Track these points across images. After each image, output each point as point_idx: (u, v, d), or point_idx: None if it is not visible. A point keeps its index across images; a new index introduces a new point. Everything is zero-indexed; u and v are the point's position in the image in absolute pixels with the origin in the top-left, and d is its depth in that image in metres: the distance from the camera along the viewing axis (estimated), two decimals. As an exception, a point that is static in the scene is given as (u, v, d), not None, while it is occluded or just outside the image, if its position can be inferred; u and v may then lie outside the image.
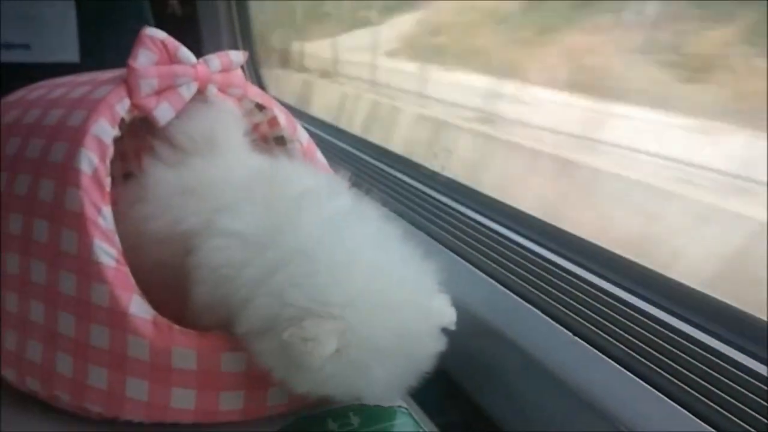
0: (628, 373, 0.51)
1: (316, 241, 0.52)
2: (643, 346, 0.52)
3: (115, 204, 0.56)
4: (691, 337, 0.50)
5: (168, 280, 0.57)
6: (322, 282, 0.50)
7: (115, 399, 0.53)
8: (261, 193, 0.57)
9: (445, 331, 0.54)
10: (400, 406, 0.63)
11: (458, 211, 0.77)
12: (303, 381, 0.51)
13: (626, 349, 0.52)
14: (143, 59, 0.59)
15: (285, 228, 0.53)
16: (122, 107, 0.58)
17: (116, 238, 0.54)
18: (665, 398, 0.47)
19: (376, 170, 0.95)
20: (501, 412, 0.60)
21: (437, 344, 0.53)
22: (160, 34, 0.60)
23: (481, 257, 0.68)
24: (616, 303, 0.56)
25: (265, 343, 0.50)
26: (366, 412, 0.61)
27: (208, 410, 0.55)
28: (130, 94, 0.58)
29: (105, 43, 1.15)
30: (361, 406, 0.62)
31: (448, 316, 0.54)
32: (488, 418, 0.61)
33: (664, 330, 0.52)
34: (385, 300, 0.50)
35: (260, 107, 0.73)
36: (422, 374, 0.53)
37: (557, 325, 0.57)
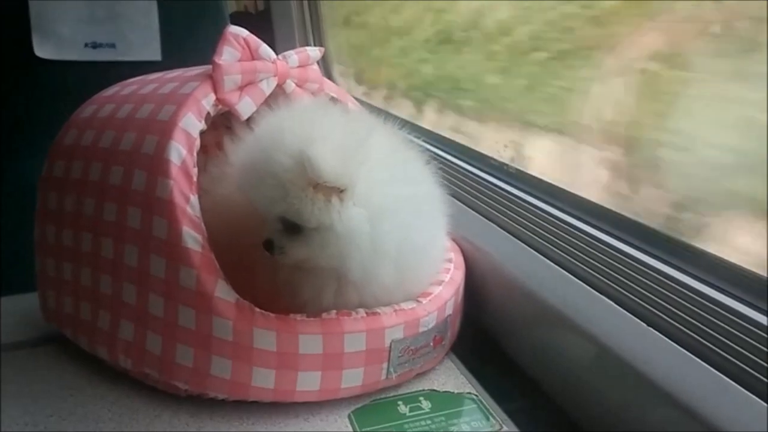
0: (703, 362, 0.50)
1: None
2: (719, 336, 0.51)
3: (199, 192, 0.60)
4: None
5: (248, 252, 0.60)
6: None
7: (200, 376, 0.57)
8: None
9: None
10: (469, 393, 0.64)
11: (531, 204, 0.77)
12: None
13: (700, 339, 0.51)
14: (227, 56, 0.62)
15: None
16: (208, 102, 0.61)
17: (202, 225, 0.57)
18: (740, 388, 0.47)
19: (446, 162, 0.97)
20: (571, 401, 0.61)
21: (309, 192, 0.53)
22: (243, 32, 0.63)
23: (553, 248, 0.68)
24: (689, 293, 0.55)
25: None
26: (436, 398, 0.63)
27: (286, 390, 0.57)
28: (215, 89, 0.61)
29: (184, 42, 1.20)
30: (432, 391, 0.64)
31: (320, 169, 0.51)
32: (557, 406, 0.61)
33: (741, 321, 0.51)
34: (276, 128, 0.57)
35: (335, 101, 0.75)
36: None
37: (630, 314, 0.57)
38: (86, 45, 1.16)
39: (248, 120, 0.65)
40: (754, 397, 0.46)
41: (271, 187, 0.54)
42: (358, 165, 0.54)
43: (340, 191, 0.54)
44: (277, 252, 0.57)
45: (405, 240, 0.58)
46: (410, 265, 0.61)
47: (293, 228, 0.55)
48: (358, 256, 0.55)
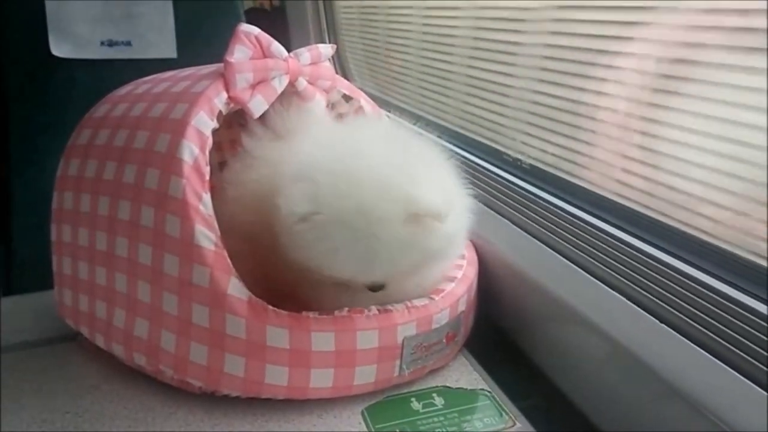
0: (718, 361, 0.49)
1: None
2: (734, 334, 0.50)
3: (213, 189, 0.60)
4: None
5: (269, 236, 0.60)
6: (308, 150, 0.57)
7: (214, 374, 0.57)
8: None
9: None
10: (483, 389, 0.64)
11: (545, 200, 0.77)
12: (287, 245, 0.55)
13: (716, 336, 0.51)
14: (239, 54, 0.62)
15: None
16: (220, 100, 0.61)
17: (215, 224, 0.57)
18: (755, 386, 0.46)
19: (458, 157, 0.96)
20: (584, 398, 0.60)
21: (420, 234, 0.53)
22: (254, 30, 0.63)
23: (566, 244, 0.68)
24: (705, 290, 0.54)
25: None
26: (449, 394, 0.63)
27: (299, 387, 0.58)
28: (227, 87, 0.62)
29: (200, 39, 1.21)
30: (445, 388, 0.64)
31: (432, 207, 0.52)
32: (571, 403, 0.61)
33: (758, 319, 0.50)
34: (359, 175, 0.52)
35: (347, 98, 0.75)
36: (410, 262, 0.55)
37: (644, 312, 0.56)
38: (102, 43, 1.17)
39: (262, 117, 0.66)
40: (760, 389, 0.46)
41: (391, 253, 0.53)
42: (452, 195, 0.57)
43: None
44: (390, 289, 0.59)
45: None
46: (434, 269, 0.63)
47: None
48: (441, 264, 0.61)
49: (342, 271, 0.55)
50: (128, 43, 1.19)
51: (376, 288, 0.58)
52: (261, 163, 0.67)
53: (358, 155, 0.55)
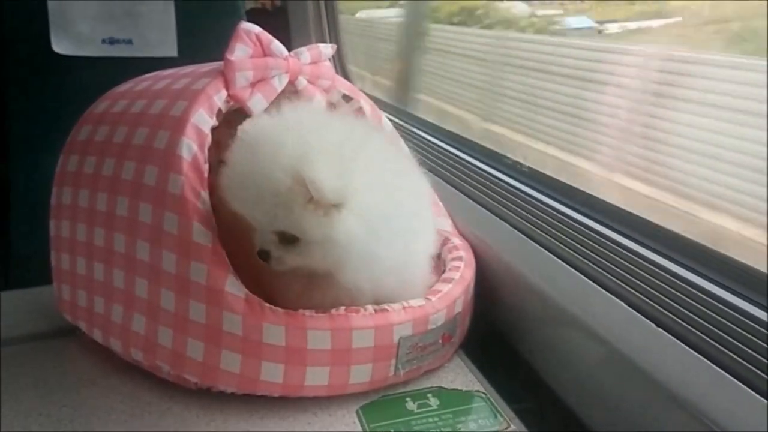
0: (716, 366, 0.49)
1: None
2: (734, 341, 0.50)
3: (211, 189, 0.60)
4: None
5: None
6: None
7: (210, 370, 0.57)
8: None
9: None
10: (478, 391, 0.64)
11: (543, 202, 0.77)
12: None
13: (710, 340, 0.51)
14: (239, 52, 0.62)
15: None
16: (219, 98, 0.61)
17: (213, 221, 0.58)
18: (751, 391, 0.46)
19: (458, 159, 0.97)
20: (579, 401, 0.60)
21: (303, 198, 0.53)
22: (255, 29, 0.64)
23: (564, 246, 0.68)
24: (700, 294, 0.54)
25: None
26: (445, 395, 0.63)
27: (295, 384, 0.58)
28: (227, 85, 0.62)
29: (201, 38, 1.21)
30: (440, 388, 0.64)
31: (315, 181, 0.52)
32: (566, 407, 0.61)
33: (752, 323, 0.51)
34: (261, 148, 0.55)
35: (347, 98, 0.75)
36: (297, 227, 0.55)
37: (639, 315, 0.56)
38: (103, 41, 1.17)
39: None
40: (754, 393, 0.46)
41: (272, 205, 0.54)
42: (356, 179, 0.54)
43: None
44: (274, 262, 0.58)
45: (406, 247, 0.60)
46: (413, 271, 0.63)
47: (291, 239, 0.56)
48: (353, 264, 0.56)
49: (241, 208, 0.57)
50: (129, 42, 1.19)
51: (264, 256, 0.57)
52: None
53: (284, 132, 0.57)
